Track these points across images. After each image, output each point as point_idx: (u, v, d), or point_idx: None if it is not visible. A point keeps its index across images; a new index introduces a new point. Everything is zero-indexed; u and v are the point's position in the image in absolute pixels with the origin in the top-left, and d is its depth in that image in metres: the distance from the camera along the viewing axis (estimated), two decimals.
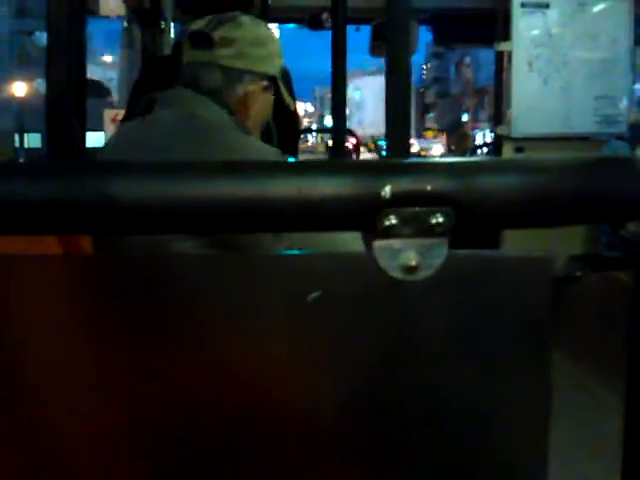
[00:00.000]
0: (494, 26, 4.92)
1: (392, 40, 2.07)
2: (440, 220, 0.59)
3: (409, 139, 2.18)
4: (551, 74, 4.87)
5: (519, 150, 4.83)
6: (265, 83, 1.93)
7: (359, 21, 4.87)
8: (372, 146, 15.93)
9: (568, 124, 4.87)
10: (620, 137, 4.89)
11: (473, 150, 9.55)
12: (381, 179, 0.60)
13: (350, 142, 7.67)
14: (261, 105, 1.95)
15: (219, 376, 0.66)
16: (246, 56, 1.88)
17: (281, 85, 1.99)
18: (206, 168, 0.64)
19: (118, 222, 0.62)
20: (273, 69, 1.94)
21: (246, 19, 1.94)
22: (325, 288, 0.62)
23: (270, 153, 1.80)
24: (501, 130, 4.93)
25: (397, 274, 0.60)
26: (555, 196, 0.62)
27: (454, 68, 49.87)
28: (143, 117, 1.85)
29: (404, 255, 0.60)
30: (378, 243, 0.60)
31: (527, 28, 4.84)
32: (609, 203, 0.63)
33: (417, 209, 0.59)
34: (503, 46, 4.86)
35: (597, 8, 5.06)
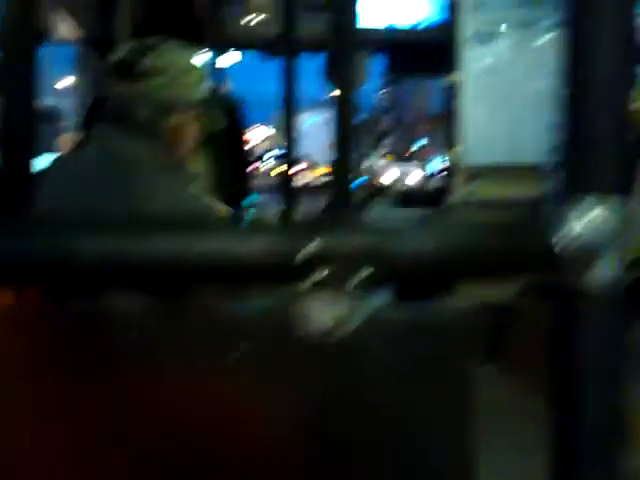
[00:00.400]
0: (445, 57, 4.98)
1: (337, 70, 2.08)
2: (363, 277, 0.60)
3: (351, 166, 2.20)
4: (500, 104, 4.94)
5: (472, 179, 4.87)
6: (195, 110, 1.91)
7: (315, 49, 4.89)
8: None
9: (518, 153, 4.92)
10: None
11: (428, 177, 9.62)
12: (306, 238, 0.61)
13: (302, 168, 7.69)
14: (192, 132, 1.93)
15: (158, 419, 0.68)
16: (177, 85, 1.86)
17: (208, 110, 1.98)
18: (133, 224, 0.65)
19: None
20: (201, 95, 1.93)
21: (171, 46, 1.92)
22: (252, 342, 0.66)
23: (185, 195, 1.78)
24: (453, 159, 4.97)
25: (321, 329, 0.62)
26: (467, 253, 0.65)
27: (409, 95, 50.83)
28: (75, 151, 1.85)
29: (328, 311, 0.61)
30: (304, 300, 0.61)
31: (476, 59, 4.90)
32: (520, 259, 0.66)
33: (340, 267, 0.60)
34: (453, 77, 4.92)
35: (545, 38, 5.15)
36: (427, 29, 6.15)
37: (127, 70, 1.84)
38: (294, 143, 3.44)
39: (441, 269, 0.65)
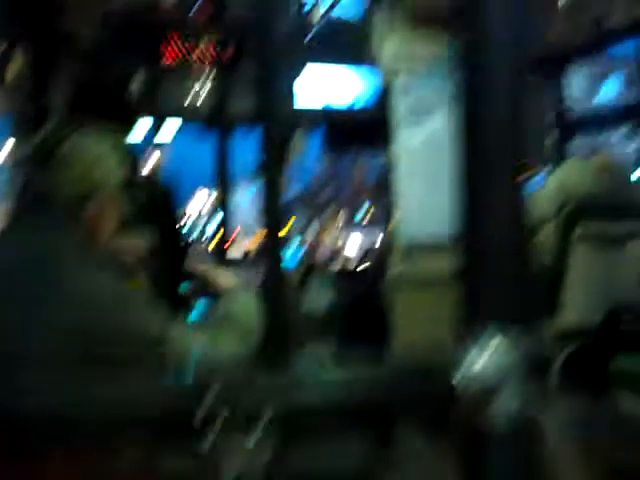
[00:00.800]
0: (381, 133, 5.05)
1: (264, 145, 2.09)
2: (261, 435, 0.65)
3: (280, 244, 2.19)
4: (436, 181, 5.00)
5: (408, 253, 4.91)
6: (111, 197, 1.91)
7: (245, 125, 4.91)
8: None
9: (455, 229, 4.95)
10: None
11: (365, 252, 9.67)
12: (199, 398, 0.66)
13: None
14: (112, 218, 1.94)
15: None
16: (94, 174, 1.87)
17: (124, 194, 1.98)
18: None
19: None
20: (118, 180, 1.94)
21: (85, 135, 1.93)
22: None
23: (102, 284, 1.75)
24: (389, 235, 5.01)
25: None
26: (364, 404, 0.66)
27: (348, 169, 51.76)
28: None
29: (230, 467, 0.63)
30: (202, 457, 0.64)
31: (411, 135, 4.98)
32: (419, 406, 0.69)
33: (238, 425, 0.66)
34: (388, 153, 4.99)
35: None
36: (364, 108, 6.26)
37: (44, 159, 1.84)
38: (229, 215, 3.43)
39: (343, 419, 0.67)
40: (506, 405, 0.72)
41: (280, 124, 2.15)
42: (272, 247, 2.19)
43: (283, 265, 2.26)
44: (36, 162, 1.87)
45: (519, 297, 0.76)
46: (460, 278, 0.77)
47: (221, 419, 0.61)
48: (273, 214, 2.19)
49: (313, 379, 0.71)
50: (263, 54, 2.16)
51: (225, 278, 2.21)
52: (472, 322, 0.75)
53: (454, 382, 0.70)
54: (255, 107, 2.15)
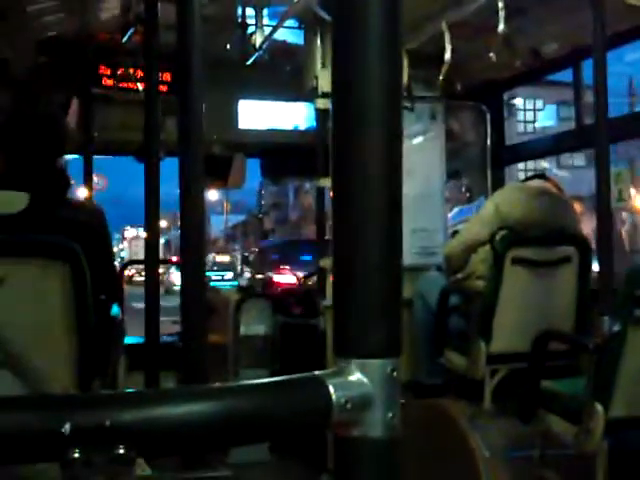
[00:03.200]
0: (315, 161, 5.08)
1: (184, 172, 2.08)
2: (122, 452, 0.62)
3: (203, 269, 2.18)
4: None
5: None
6: None
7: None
8: None
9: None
10: (438, 268, 5.09)
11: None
12: (62, 414, 0.62)
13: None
14: None
15: None
16: None
17: None
18: None
19: None
20: None
21: None
22: None
23: None
24: (324, 262, 5.03)
25: None
26: (232, 418, 0.68)
27: (293, 194, 50.93)
28: None
29: None
30: (65, 474, 0.62)
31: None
32: (295, 418, 0.70)
33: (99, 442, 0.62)
34: (323, 181, 5.02)
35: (411, 144, 5.34)
36: (301, 133, 6.29)
37: None
38: (156, 245, 3.39)
39: (207, 439, 0.67)
40: (375, 423, 0.74)
41: (200, 150, 2.14)
42: (193, 273, 2.17)
43: (204, 292, 2.24)
44: None
45: (391, 329, 0.77)
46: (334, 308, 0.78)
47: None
48: (194, 240, 2.17)
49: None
50: (191, 81, 2.15)
51: None
52: (342, 351, 0.76)
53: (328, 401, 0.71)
54: (178, 134, 2.14)
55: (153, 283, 3.34)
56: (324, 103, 4.97)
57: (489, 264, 4.10)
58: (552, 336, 3.77)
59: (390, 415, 0.76)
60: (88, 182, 5.43)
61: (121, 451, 0.63)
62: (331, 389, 0.73)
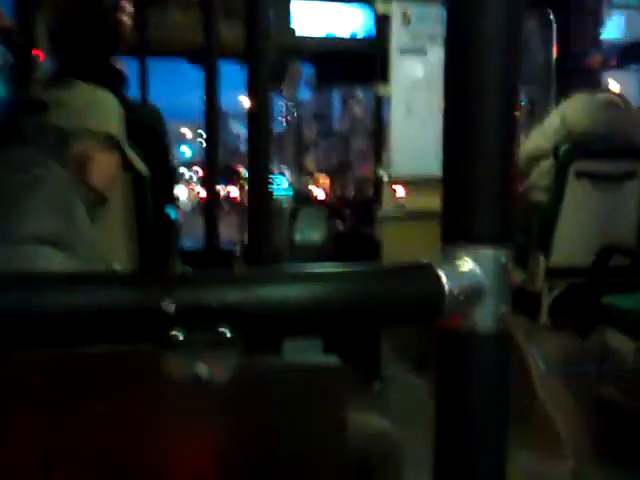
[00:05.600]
0: (373, 69, 4.96)
1: (252, 77, 2.02)
2: (226, 331, 0.59)
3: (268, 175, 2.16)
4: (430, 118, 4.93)
5: (401, 190, 4.89)
6: (101, 142, 1.94)
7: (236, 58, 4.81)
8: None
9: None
10: None
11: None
12: (166, 293, 0.59)
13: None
14: (101, 164, 1.94)
15: None
16: (78, 116, 1.91)
17: (125, 147, 2.03)
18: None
19: None
20: (111, 129, 1.98)
21: (81, 84, 2.00)
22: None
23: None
24: (381, 172, 4.96)
25: (189, 384, 0.60)
26: (339, 303, 0.63)
27: (341, 104, 48.39)
28: None
29: (194, 366, 0.60)
30: (168, 355, 0.60)
31: (405, 73, 4.90)
32: (404, 307, 0.66)
33: (202, 322, 0.59)
34: (382, 90, 4.91)
35: None
36: (358, 40, 6.14)
37: (35, 105, 1.90)
38: (216, 150, 3.37)
39: (314, 324, 0.63)
40: (488, 313, 0.70)
41: (269, 56, 2.08)
42: (259, 178, 2.13)
43: (270, 198, 2.21)
44: (29, 110, 1.89)
45: (503, 214, 0.72)
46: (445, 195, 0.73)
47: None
48: (261, 145, 2.13)
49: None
50: None
51: None
52: (454, 238, 0.71)
53: (438, 288, 0.67)
54: (244, 38, 2.08)
55: (212, 189, 3.33)
56: (384, 8, 4.83)
57: (551, 176, 3.99)
58: (614, 250, 3.69)
59: (502, 309, 0.72)
60: (143, 84, 5.38)
61: (225, 332, 0.59)
62: (443, 277, 0.68)
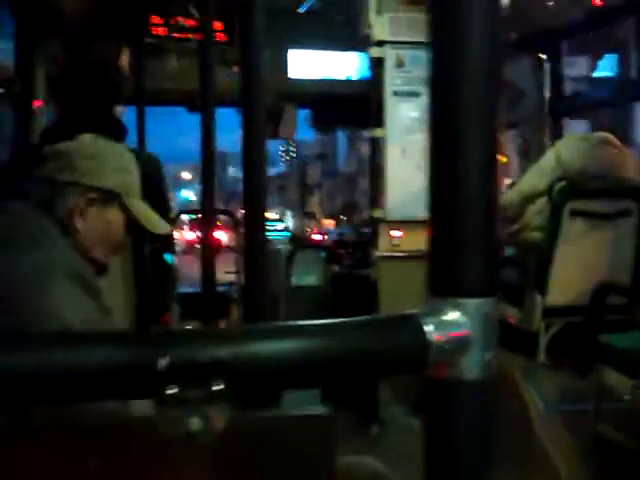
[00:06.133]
0: (368, 111, 5.03)
1: (247, 122, 2.06)
2: (219, 387, 0.61)
3: (265, 219, 2.17)
4: (424, 160, 4.96)
5: (395, 232, 4.92)
6: (95, 196, 1.88)
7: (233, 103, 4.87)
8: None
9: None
10: None
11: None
12: (160, 350, 0.61)
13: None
14: (96, 222, 1.89)
15: None
16: (73, 169, 1.86)
17: (128, 201, 1.96)
18: None
19: None
20: (109, 182, 1.91)
21: (87, 136, 1.96)
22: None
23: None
24: (377, 214, 5.00)
25: (182, 439, 0.61)
26: (327, 356, 0.66)
27: (346, 143, 46.21)
28: None
29: (187, 421, 0.62)
30: (161, 410, 0.61)
31: (400, 115, 4.96)
32: (391, 359, 0.69)
33: (196, 378, 0.61)
34: (377, 132, 4.97)
35: None
36: (353, 83, 6.23)
37: (36, 156, 1.89)
38: (212, 195, 3.40)
39: (302, 376, 0.66)
40: (473, 363, 0.72)
41: (263, 101, 2.12)
42: (255, 221, 2.16)
43: (266, 242, 2.23)
44: (31, 157, 1.90)
45: (487, 266, 0.75)
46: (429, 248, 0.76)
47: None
48: (257, 188, 2.16)
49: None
50: (250, 29, 2.12)
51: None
52: (441, 289, 0.74)
53: (424, 339, 0.70)
54: (240, 83, 2.11)
55: (209, 233, 3.36)
56: (378, 52, 4.90)
57: (546, 215, 4.03)
58: (610, 289, 3.71)
59: (487, 357, 0.74)
60: (140, 132, 5.44)
61: (217, 387, 0.61)
62: (428, 328, 0.71)
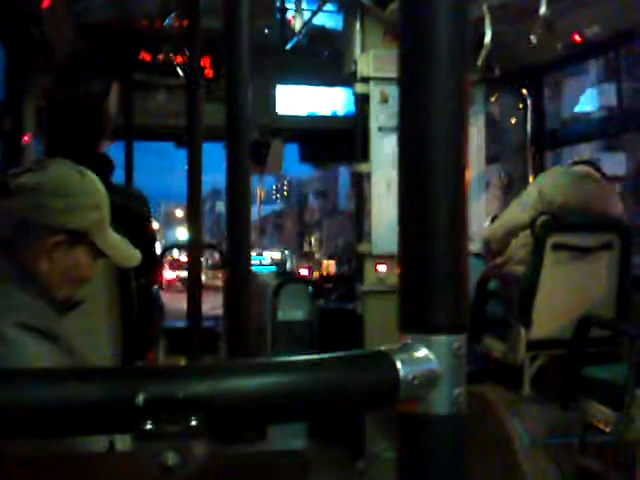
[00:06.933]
0: (354, 146, 5.07)
1: (231, 157, 2.08)
2: (194, 422, 0.62)
3: (249, 253, 2.18)
4: None
5: (381, 266, 4.94)
6: (63, 238, 1.78)
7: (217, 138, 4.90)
8: None
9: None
10: (476, 255, 5.05)
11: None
12: (136, 386, 0.63)
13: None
14: (63, 262, 1.78)
15: None
16: (42, 209, 1.74)
17: (97, 238, 1.87)
18: None
19: None
20: (79, 224, 1.81)
21: (53, 167, 1.82)
22: None
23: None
24: (362, 248, 5.02)
25: (157, 474, 0.63)
26: (300, 392, 0.69)
27: (348, 179, 44.14)
28: None
29: (162, 456, 0.63)
30: (137, 445, 0.66)
31: (384, 150, 5.01)
32: (362, 394, 0.71)
33: (171, 413, 0.63)
34: (362, 167, 5.01)
35: None
36: (338, 118, 6.29)
37: (2, 188, 1.75)
38: (199, 231, 3.42)
39: (276, 412, 0.68)
40: (443, 399, 0.75)
41: (247, 136, 2.14)
42: (239, 257, 2.18)
43: (249, 276, 2.24)
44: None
45: (457, 304, 0.78)
46: (400, 287, 0.78)
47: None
48: (241, 225, 2.18)
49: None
50: (235, 64, 2.15)
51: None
52: (411, 326, 0.77)
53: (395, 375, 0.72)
54: (226, 120, 2.13)
55: (195, 268, 3.37)
56: (363, 88, 4.97)
57: (529, 249, 4.07)
58: (593, 322, 3.74)
59: (456, 392, 0.77)
60: (129, 167, 5.47)
61: (193, 423, 0.63)
62: (398, 364, 0.73)
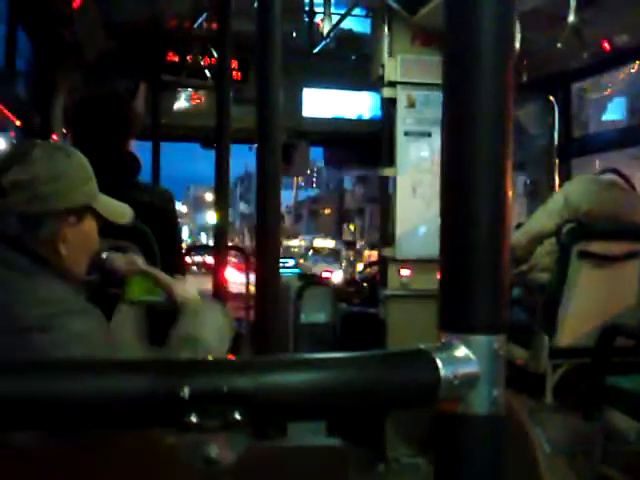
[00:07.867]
0: (379, 150, 5.08)
1: (262, 159, 2.09)
2: (237, 416, 0.63)
3: (279, 252, 2.18)
4: (434, 199, 5.01)
5: (405, 271, 4.94)
6: (72, 217, 1.81)
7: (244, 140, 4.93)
8: None
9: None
10: None
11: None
12: (182, 379, 0.64)
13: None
14: (76, 239, 1.82)
15: None
16: (41, 198, 1.75)
17: (102, 207, 1.91)
18: None
19: None
20: (79, 199, 1.84)
21: (38, 154, 1.80)
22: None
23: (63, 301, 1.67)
24: (386, 252, 5.02)
25: (200, 466, 0.64)
26: (342, 389, 0.69)
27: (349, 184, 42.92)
28: None
29: (205, 448, 0.64)
30: (181, 437, 0.64)
31: (411, 154, 5.01)
32: (403, 392, 0.71)
33: (215, 407, 0.63)
34: (388, 171, 5.01)
35: None
36: (365, 122, 6.30)
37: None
38: (225, 234, 3.44)
39: (318, 408, 0.68)
40: (482, 398, 0.75)
41: (279, 138, 2.15)
42: (268, 257, 2.18)
43: (278, 276, 2.25)
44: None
45: (496, 304, 0.78)
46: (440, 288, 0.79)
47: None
48: (270, 226, 2.18)
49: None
50: (267, 67, 2.16)
51: (187, 292, 2.17)
52: (451, 327, 0.77)
53: (435, 374, 0.72)
54: (257, 122, 2.14)
55: (221, 268, 3.39)
56: (390, 92, 4.97)
57: (554, 257, 4.05)
58: (618, 331, 3.71)
59: (496, 393, 0.77)
60: (156, 167, 5.51)
61: (236, 416, 0.64)
62: (439, 363, 0.74)
